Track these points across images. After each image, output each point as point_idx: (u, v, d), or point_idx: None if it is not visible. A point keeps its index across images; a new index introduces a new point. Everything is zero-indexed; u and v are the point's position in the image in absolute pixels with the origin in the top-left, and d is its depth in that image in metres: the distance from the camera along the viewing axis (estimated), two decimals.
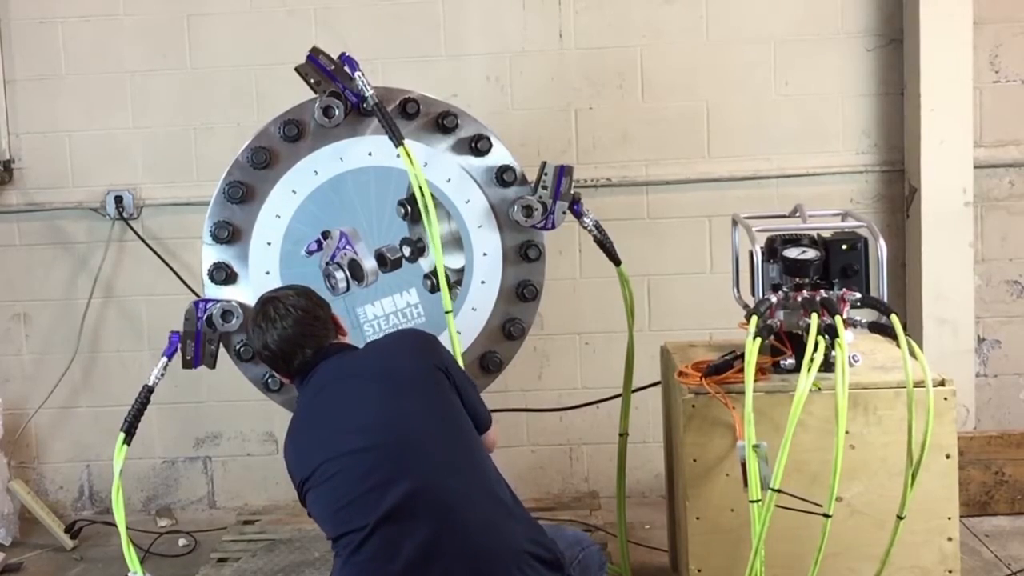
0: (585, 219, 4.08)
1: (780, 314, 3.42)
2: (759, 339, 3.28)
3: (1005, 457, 4.78)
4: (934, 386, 3.27)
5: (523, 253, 4.03)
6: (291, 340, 3.23)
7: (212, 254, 3.96)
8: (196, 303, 3.88)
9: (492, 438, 3.37)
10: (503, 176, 3.99)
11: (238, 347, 3.93)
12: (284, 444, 3.22)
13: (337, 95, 3.85)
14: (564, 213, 4.00)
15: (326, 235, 3.94)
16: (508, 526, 2.98)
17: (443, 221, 3.99)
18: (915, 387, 3.22)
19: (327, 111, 3.84)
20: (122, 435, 3.70)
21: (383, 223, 3.98)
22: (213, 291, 3.95)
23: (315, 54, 3.88)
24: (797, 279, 3.47)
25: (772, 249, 3.55)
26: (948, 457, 3.42)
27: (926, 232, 4.90)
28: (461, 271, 4.02)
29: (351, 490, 2.95)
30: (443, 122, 3.98)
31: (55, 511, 5.12)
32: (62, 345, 5.21)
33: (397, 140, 3.81)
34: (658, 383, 4.25)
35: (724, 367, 3.46)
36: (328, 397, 3.15)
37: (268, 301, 3.31)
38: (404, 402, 3.06)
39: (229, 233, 3.93)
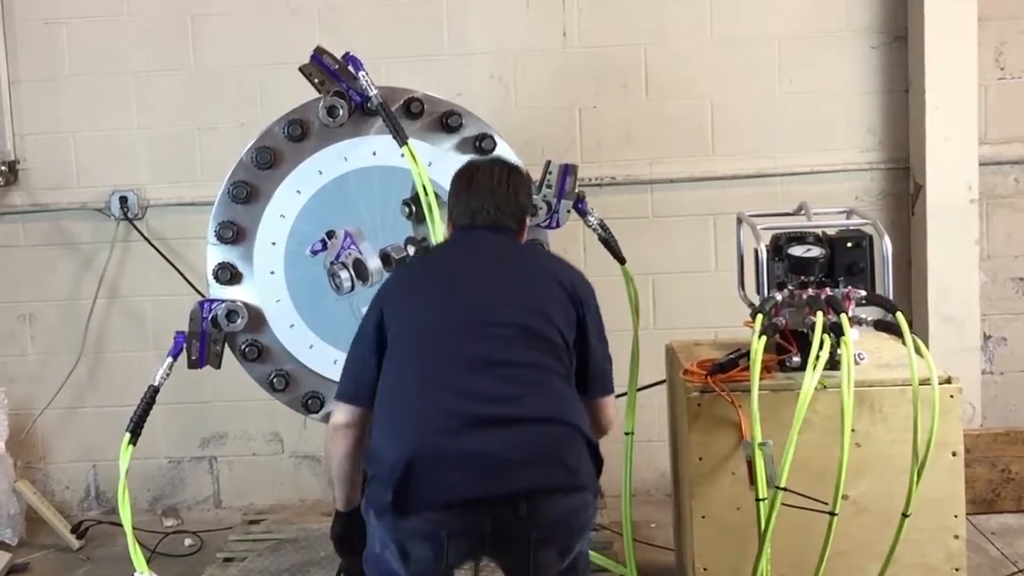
0: (589, 218, 4.08)
1: (785, 312, 3.41)
2: (764, 337, 3.27)
3: (1011, 454, 4.77)
4: (940, 384, 3.26)
5: None
6: (493, 196, 3.12)
7: (217, 254, 3.95)
8: (201, 303, 3.88)
9: (603, 408, 3.07)
10: None
11: (243, 347, 3.93)
12: (396, 269, 3.17)
13: (341, 95, 3.85)
14: (568, 212, 4.00)
15: (331, 235, 3.93)
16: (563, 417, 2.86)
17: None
18: (921, 385, 3.22)
19: (331, 111, 3.84)
20: (128, 435, 3.70)
21: (387, 222, 3.98)
22: (218, 291, 3.95)
23: (319, 54, 3.88)
24: (802, 277, 3.47)
25: (777, 247, 3.54)
26: (954, 455, 3.41)
27: (931, 229, 4.90)
28: None
29: (415, 375, 2.86)
30: (447, 121, 3.98)
31: (61, 511, 5.13)
32: (67, 346, 5.22)
33: (401, 140, 3.81)
34: (663, 381, 4.24)
35: (729, 365, 3.46)
36: (464, 265, 3.07)
37: (513, 168, 3.24)
38: (517, 315, 2.94)
39: (234, 233, 3.93)
